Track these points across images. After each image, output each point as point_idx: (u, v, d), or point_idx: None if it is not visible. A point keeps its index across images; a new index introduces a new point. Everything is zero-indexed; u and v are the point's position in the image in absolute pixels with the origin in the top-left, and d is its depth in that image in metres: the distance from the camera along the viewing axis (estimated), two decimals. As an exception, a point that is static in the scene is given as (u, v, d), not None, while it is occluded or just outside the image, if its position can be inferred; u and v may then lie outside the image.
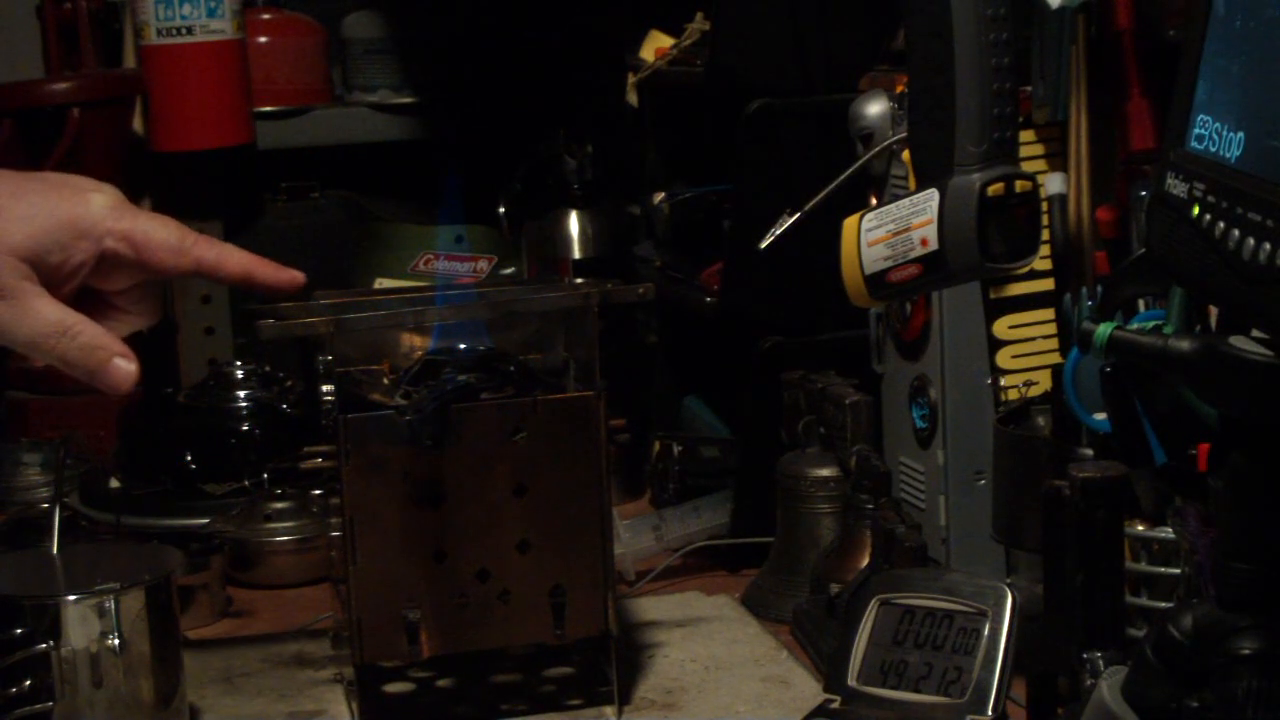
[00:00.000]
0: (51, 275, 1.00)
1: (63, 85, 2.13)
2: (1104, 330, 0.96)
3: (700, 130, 2.00)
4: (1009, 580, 1.36)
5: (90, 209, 1.01)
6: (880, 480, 1.46)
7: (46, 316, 0.99)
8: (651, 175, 2.07)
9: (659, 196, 1.98)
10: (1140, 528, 1.20)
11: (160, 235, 1.02)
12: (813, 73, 1.73)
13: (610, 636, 1.32)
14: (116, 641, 1.24)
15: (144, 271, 1.03)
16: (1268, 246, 0.80)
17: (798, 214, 1.29)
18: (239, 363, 1.87)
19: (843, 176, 1.30)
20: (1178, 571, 1.14)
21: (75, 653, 1.23)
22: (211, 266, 1.04)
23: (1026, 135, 1.40)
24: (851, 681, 1.21)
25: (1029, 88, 1.41)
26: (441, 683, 1.39)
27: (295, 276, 1.06)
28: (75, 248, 1.00)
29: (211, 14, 2.07)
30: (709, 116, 1.90)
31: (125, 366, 1.01)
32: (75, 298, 1.02)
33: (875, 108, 1.46)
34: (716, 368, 1.90)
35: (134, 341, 1.04)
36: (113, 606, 1.24)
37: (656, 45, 1.99)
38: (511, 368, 1.33)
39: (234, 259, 1.05)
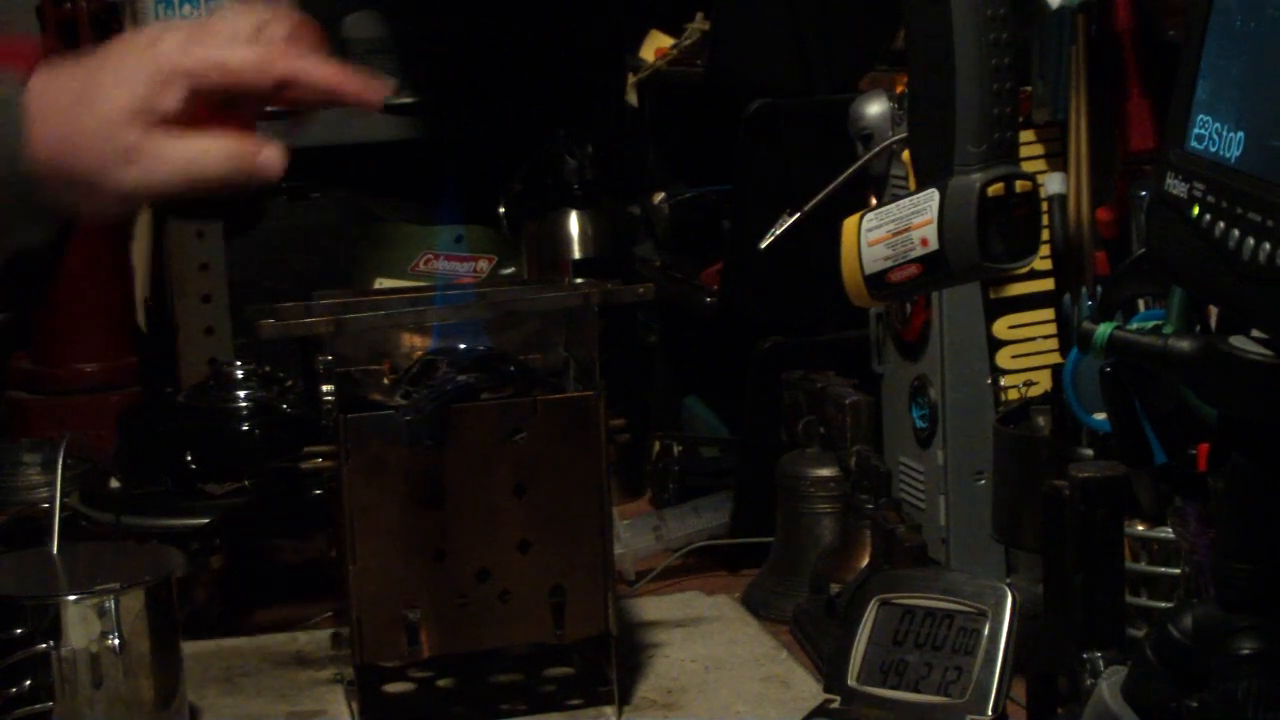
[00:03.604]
0: (156, 123, 0.99)
1: (63, 85, 2.12)
2: (1104, 330, 0.96)
3: (700, 130, 2.00)
4: (1009, 580, 1.36)
5: (163, 54, 1.00)
6: (880, 480, 1.46)
7: (175, 155, 0.99)
8: (651, 175, 2.07)
9: (659, 196, 1.97)
10: (1140, 528, 1.20)
11: (237, 59, 1.01)
12: (813, 73, 1.73)
13: (610, 636, 1.32)
14: (116, 641, 1.24)
15: (233, 91, 1.02)
16: (1268, 246, 0.80)
17: (798, 214, 1.29)
18: (239, 363, 1.86)
19: (843, 176, 1.31)
20: (1178, 571, 1.14)
21: (75, 653, 1.23)
22: (293, 80, 1.02)
23: (1026, 135, 1.40)
24: (851, 681, 1.21)
25: (1029, 88, 1.41)
26: (441, 683, 1.39)
27: (381, 88, 1.04)
28: (166, 93, 0.99)
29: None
30: (709, 116, 1.89)
31: (271, 153, 1.02)
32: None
33: (875, 108, 1.46)
34: (716, 368, 1.90)
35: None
36: (113, 606, 1.24)
37: (656, 45, 1.99)
38: (511, 368, 1.33)
39: (318, 73, 1.03)
